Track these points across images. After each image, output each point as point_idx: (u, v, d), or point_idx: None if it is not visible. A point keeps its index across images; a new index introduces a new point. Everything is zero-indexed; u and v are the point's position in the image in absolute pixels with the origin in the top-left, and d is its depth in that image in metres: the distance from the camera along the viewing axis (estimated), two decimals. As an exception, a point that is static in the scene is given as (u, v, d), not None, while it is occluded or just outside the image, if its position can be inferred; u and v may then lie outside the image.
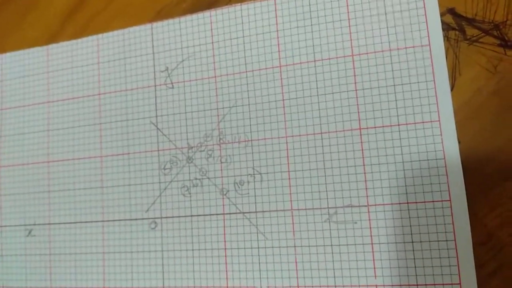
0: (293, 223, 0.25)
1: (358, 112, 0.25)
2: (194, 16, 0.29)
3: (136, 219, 0.28)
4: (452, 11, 0.25)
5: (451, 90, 0.24)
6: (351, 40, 0.26)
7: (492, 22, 0.24)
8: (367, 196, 0.24)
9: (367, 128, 0.25)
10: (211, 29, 0.28)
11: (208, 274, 0.26)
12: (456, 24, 0.25)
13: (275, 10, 0.27)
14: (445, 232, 0.23)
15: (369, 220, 0.24)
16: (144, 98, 0.29)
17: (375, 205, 0.24)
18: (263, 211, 0.26)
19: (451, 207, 0.23)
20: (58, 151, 0.31)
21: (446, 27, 0.25)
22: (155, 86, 0.29)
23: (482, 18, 0.25)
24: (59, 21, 0.33)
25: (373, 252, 0.24)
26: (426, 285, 0.23)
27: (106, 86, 0.30)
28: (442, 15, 0.25)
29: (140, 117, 0.29)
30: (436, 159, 0.24)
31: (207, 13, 0.29)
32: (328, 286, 0.24)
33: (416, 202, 0.24)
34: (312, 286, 0.25)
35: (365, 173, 0.25)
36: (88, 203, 0.29)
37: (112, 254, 0.28)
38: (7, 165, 0.32)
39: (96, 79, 0.30)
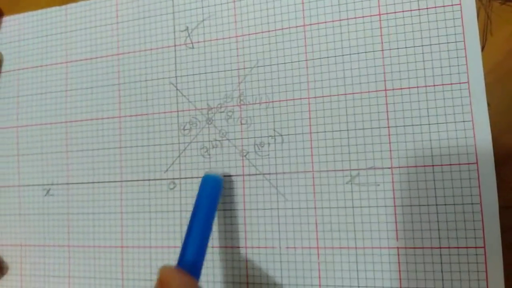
0: (314, 185, 0.25)
1: (384, 73, 0.25)
2: (216, -26, 0.28)
3: (154, 180, 0.28)
4: (485, -31, 0.24)
5: (482, 51, 0.24)
6: (378, -2, 0.25)
7: (527, -20, 0.23)
8: (391, 158, 0.24)
9: (393, 89, 0.24)
10: (233, -12, 0.28)
11: (227, 234, 0.26)
12: (489, -17, 0.24)
13: (300, -33, 0.26)
14: (471, 195, 0.23)
15: (392, 182, 0.24)
16: (163, 59, 0.29)
17: (399, 167, 0.24)
18: (283, 173, 0.26)
19: (477, 169, 0.23)
20: (76, 111, 0.30)
21: (478, -15, 0.24)
22: (174, 46, 0.29)
23: (517, -24, 0.24)
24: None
25: (395, 214, 0.24)
26: (449, 248, 0.23)
27: (125, 46, 0.30)
28: (474, -27, 0.24)
29: (159, 77, 0.29)
30: (464, 121, 0.23)
31: (229, -29, 0.28)
32: (348, 247, 0.24)
33: (441, 165, 0.23)
34: (332, 248, 0.24)
35: (389, 135, 0.24)
36: (107, 163, 0.29)
37: (131, 214, 0.28)
38: (25, 125, 0.31)
39: (115, 39, 0.30)
